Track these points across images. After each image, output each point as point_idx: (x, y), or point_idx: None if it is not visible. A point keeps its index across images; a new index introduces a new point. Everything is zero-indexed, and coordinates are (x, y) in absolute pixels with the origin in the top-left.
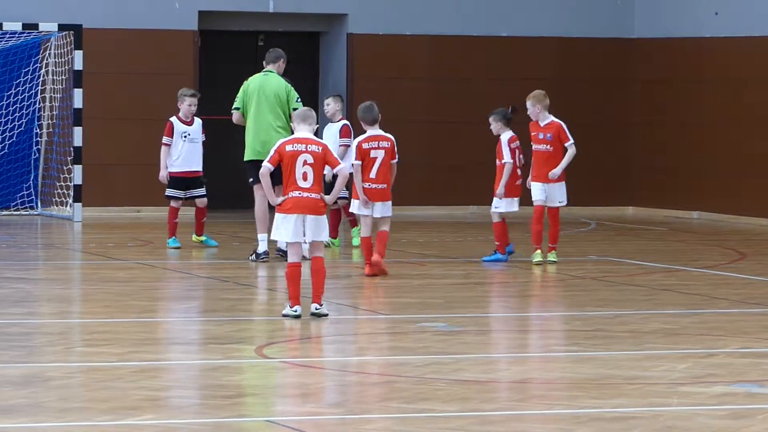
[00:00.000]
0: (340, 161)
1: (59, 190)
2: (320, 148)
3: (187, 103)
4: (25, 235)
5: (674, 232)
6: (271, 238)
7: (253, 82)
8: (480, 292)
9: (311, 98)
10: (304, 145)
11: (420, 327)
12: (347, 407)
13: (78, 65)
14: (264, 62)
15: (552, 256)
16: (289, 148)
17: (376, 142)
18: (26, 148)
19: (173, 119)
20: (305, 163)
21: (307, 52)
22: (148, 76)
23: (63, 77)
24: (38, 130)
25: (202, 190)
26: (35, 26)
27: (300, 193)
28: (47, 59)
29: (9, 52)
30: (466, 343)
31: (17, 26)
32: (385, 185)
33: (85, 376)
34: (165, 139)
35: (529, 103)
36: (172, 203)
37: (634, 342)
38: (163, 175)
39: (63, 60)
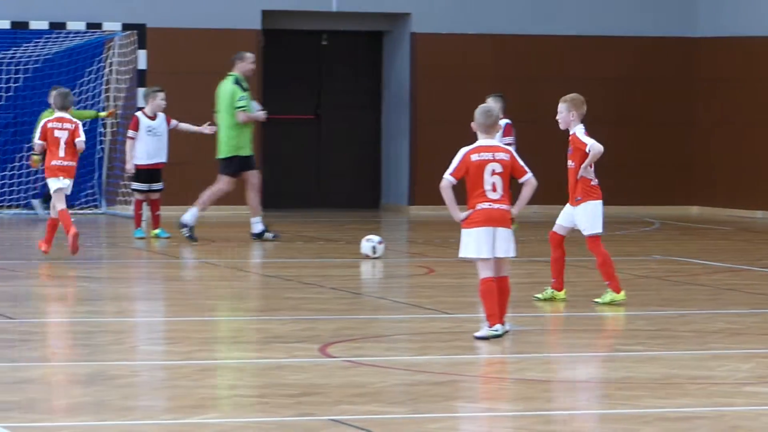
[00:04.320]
0: (527, 170)
1: (123, 189)
2: (508, 156)
3: (160, 98)
4: (89, 234)
5: (738, 232)
6: (460, 255)
7: None
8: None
9: (374, 98)
10: (491, 154)
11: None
12: (411, 406)
13: (141, 65)
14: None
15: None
16: (474, 157)
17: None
18: (90, 147)
19: (139, 114)
20: (494, 172)
21: (370, 52)
22: (210, 76)
23: (126, 76)
24: (102, 129)
25: (161, 184)
26: (99, 26)
27: (490, 205)
28: (111, 58)
29: (73, 52)
30: (530, 343)
31: (81, 26)
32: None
33: (149, 374)
34: (130, 133)
35: (563, 107)
36: (137, 196)
37: (699, 342)
38: (129, 167)
39: (126, 59)
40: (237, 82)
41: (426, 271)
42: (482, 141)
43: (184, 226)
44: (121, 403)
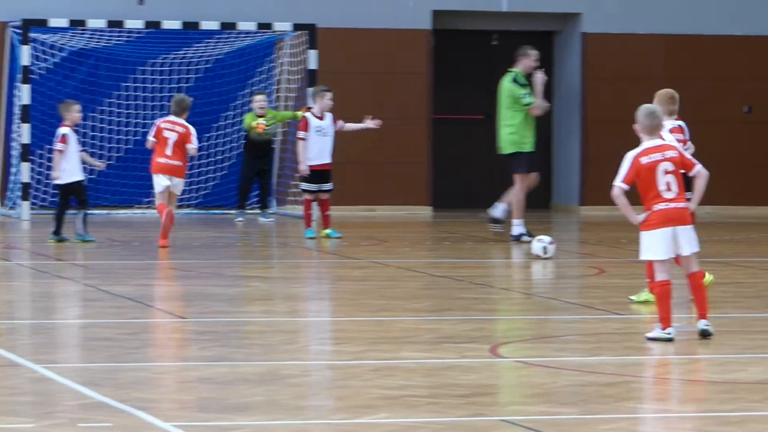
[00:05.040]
0: (696, 162)
1: (294, 189)
2: (676, 153)
3: (328, 98)
4: (261, 234)
5: None
6: (641, 258)
7: None
8: (718, 293)
9: (545, 97)
10: (660, 154)
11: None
12: (582, 407)
13: (312, 65)
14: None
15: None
16: (644, 160)
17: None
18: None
19: (308, 114)
20: (666, 172)
21: (541, 52)
22: (381, 76)
23: (297, 76)
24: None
25: (331, 185)
26: (269, 26)
27: (666, 205)
28: (281, 59)
29: (244, 52)
30: (702, 343)
31: (252, 26)
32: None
33: (320, 374)
34: (301, 134)
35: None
36: (306, 196)
37: None
38: (303, 168)
39: (297, 59)
40: (515, 79)
41: (597, 272)
42: (648, 142)
43: (497, 221)
44: (293, 403)
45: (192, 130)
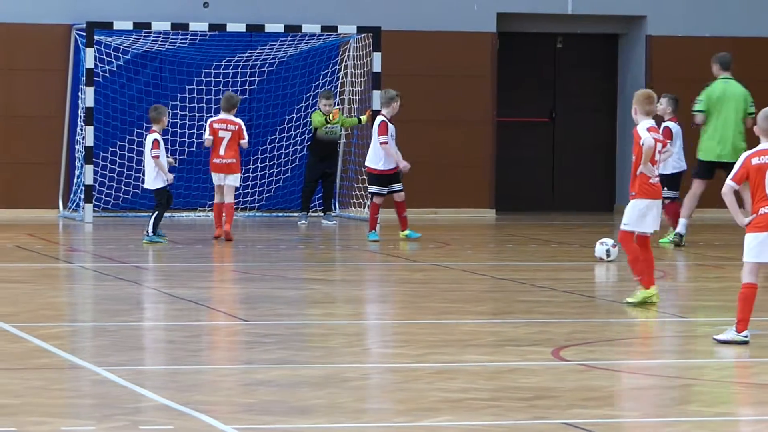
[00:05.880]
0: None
1: (357, 192)
2: None
3: (399, 103)
4: (322, 237)
5: None
6: (745, 260)
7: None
8: None
9: (609, 101)
10: None
11: (717, 330)
12: (644, 410)
13: (377, 67)
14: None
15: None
16: (755, 161)
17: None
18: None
19: (383, 118)
20: None
21: (605, 54)
22: (445, 78)
23: (362, 79)
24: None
25: (400, 185)
26: (334, 28)
27: None
28: (346, 61)
29: (308, 54)
30: (766, 347)
31: (316, 28)
32: None
33: (382, 377)
34: (383, 138)
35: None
36: (376, 200)
37: None
38: (404, 164)
39: (362, 62)
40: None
41: (661, 275)
42: (764, 144)
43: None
44: (354, 406)
45: (243, 125)
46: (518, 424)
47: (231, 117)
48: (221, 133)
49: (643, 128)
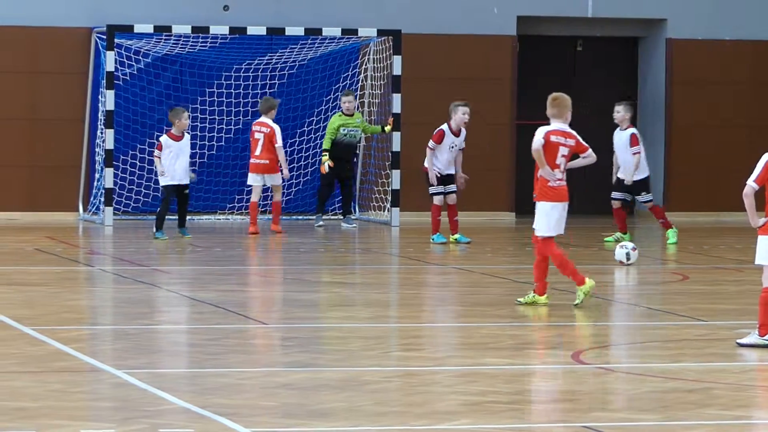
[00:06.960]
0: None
1: (377, 195)
2: None
3: (462, 113)
4: (343, 240)
5: None
6: (756, 262)
7: None
8: None
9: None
10: None
11: (737, 334)
12: (664, 414)
13: (397, 70)
14: None
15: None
16: None
17: None
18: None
19: (445, 128)
20: None
21: (626, 57)
22: (465, 81)
23: (381, 82)
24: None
25: (455, 186)
26: (354, 31)
27: None
28: (366, 64)
29: (329, 57)
30: None
31: (337, 31)
32: None
33: (402, 380)
34: (431, 144)
35: None
36: (435, 201)
37: None
38: (432, 176)
39: (382, 65)
40: None
41: (680, 278)
42: None
43: None
44: (374, 409)
45: (276, 128)
46: (538, 427)
47: (266, 120)
48: (257, 135)
49: (540, 130)
